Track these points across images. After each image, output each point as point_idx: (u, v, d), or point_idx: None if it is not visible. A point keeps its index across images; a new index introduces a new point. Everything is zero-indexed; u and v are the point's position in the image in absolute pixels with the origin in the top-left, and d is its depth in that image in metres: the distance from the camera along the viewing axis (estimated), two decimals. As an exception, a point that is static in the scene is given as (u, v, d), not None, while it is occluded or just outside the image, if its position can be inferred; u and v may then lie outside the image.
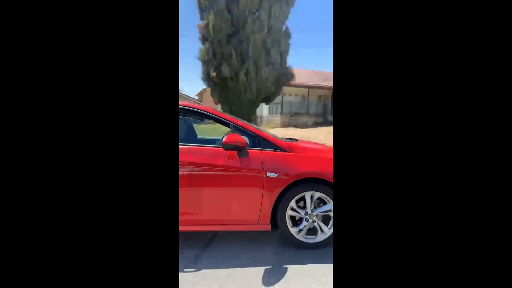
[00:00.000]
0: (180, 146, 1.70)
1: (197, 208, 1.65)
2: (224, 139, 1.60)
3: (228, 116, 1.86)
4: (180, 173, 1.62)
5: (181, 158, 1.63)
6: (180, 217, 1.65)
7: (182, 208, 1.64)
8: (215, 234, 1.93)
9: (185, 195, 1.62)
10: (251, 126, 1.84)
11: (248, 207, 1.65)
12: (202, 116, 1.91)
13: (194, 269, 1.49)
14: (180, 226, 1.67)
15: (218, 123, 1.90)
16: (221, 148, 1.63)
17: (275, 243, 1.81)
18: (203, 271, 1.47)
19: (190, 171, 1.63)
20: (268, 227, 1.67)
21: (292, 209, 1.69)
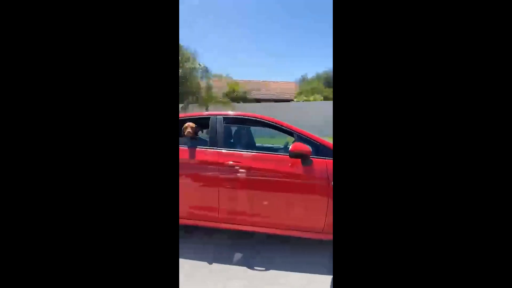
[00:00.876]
0: (244, 153, 1.86)
1: (263, 210, 1.76)
2: (290, 147, 1.70)
3: (290, 125, 1.96)
4: (247, 177, 1.76)
5: (247, 163, 1.78)
6: (247, 218, 1.79)
7: (248, 209, 1.78)
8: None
9: (251, 198, 1.76)
10: (314, 135, 1.89)
11: (313, 215, 1.69)
12: (267, 126, 2.04)
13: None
14: (244, 226, 1.80)
15: (282, 132, 2.01)
16: (285, 156, 1.73)
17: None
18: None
19: (256, 176, 1.76)
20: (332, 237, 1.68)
21: None
